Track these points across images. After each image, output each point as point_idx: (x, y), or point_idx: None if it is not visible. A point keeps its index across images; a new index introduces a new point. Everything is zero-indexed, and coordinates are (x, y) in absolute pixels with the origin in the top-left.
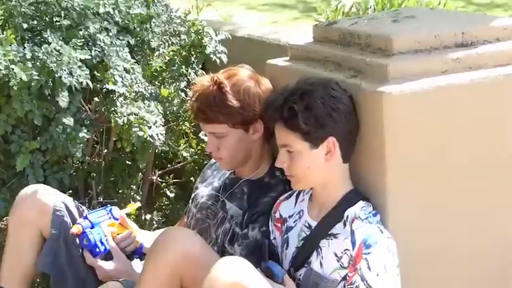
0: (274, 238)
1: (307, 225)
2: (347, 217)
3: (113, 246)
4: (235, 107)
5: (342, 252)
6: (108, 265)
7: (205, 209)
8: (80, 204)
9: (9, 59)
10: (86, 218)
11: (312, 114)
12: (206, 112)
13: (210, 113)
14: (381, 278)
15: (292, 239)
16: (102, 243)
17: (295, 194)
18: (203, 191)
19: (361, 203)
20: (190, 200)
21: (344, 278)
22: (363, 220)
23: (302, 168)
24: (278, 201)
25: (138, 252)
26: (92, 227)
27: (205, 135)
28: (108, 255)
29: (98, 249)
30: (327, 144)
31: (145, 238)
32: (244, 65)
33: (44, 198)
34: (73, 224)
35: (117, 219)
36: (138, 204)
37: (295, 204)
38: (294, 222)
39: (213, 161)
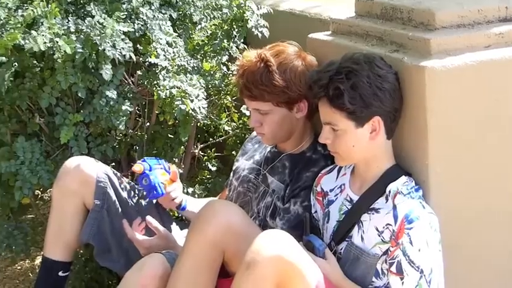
0: (316, 211)
1: (348, 199)
2: (389, 192)
3: (166, 192)
4: (281, 86)
5: (384, 227)
6: (148, 241)
7: (246, 183)
8: (122, 176)
9: (53, 32)
10: (144, 161)
11: (358, 93)
12: (251, 89)
13: (255, 90)
14: (422, 253)
15: (333, 213)
16: (159, 186)
17: (336, 168)
18: (244, 164)
19: (403, 178)
20: (232, 173)
21: (385, 253)
22: (405, 195)
23: (346, 146)
24: (320, 174)
25: (182, 208)
26: (150, 170)
27: (248, 110)
28: (150, 231)
29: (155, 192)
30: (372, 123)
31: (190, 201)
32: (292, 42)
33: (87, 169)
34: (115, 195)
35: (168, 172)
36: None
37: (337, 178)
38: (335, 196)
39: (253, 134)
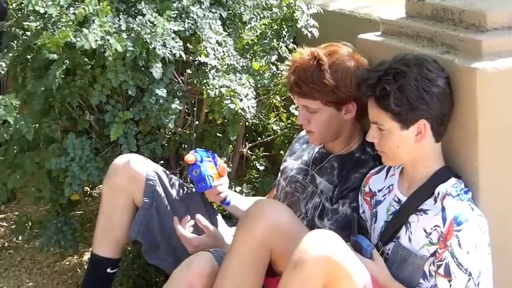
0: (363, 212)
1: (396, 199)
2: (438, 193)
3: (214, 185)
4: (331, 85)
5: (432, 228)
6: (197, 239)
7: (294, 183)
8: (171, 175)
9: (105, 30)
10: (196, 151)
11: (404, 96)
12: (302, 86)
13: (305, 88)
14: (471, 255)
15: (381, 213)
16: (208, 178)
17: (385, 168)
18: (292, 165)
19: (452, 180)
20: (279, 173)
21: (433, 254)
22: (454, 197)
23: (392, 147)
24: (368, 174)
25: (227, 203)
26: (201, 162)
27: (297, 109)
28: (199, 229)
29: (204, 183)
30: (417, 126)
31: (235, 197)
32: (347, 43)
33: (136, 167)
34: (164, 193)
35: (217, 167)
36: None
37: (386, 178)
38: (383, 196)
39: (301, 134)
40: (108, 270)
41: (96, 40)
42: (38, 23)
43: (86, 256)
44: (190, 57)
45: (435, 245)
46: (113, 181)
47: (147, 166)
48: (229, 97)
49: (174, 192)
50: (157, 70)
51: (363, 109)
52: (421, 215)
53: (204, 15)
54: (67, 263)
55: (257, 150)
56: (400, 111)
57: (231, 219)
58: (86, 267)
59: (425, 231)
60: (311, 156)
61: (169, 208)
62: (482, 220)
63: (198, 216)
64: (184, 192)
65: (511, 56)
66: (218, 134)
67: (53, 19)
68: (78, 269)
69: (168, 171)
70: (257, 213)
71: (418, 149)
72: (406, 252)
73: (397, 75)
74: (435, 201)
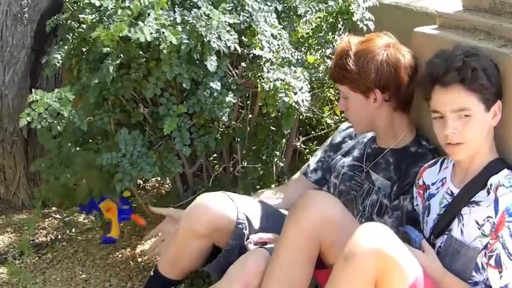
0: (417, 205)
1: (449, 192)
2: (491, 185)
3: None
4: (353, 72)
5: (484, 220)
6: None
7: (348, 180)
8: (259, 205)
9: (160, 23)
10: None
11: (489, 74)
12: (332, 70)
13: (334, 72)
14: None
15: (433, 206)
16: None
17: (439, 162)
18: (343, 161)
19: (505, 171)
20: (320, 167)
21: (485, 247)
22: (508, 187)
23: (475, 133)
24: (422, 168)
25: None
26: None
27: None
28: None
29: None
30: (494, 107)
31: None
32: (388, 32)
33: (224, 214)
34: (250, 234)
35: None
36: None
37: (439, 171)
38: (436, 189)
39: (341, 127)
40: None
41: (151, 33)
42: (93, 15)
43: (139, 249)
44: (245, 50)
45: (487, 237)
46: (195, 225)
47: (237, 209)
48: (283, 90)
49: (257, 224)
50: (212, 63)
51: (400, 99)
52: (473, 206)
53: (259, 8)
54: (120, 255)
55: (311, 144)
56: (489, 90)
57: None
58: (138, 259)
59: (477, 223)
60: (363, 152)
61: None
62: None
63: (258, 235)
64: (263, 214)
65: None
66: (272, 128)
67: (109, 12)
68: (130, 262)
69: (258, 203)
70: (305, 204)
71: (489, 135)
72: (459, 245)
73: (476, 55)
74: (488, 192)
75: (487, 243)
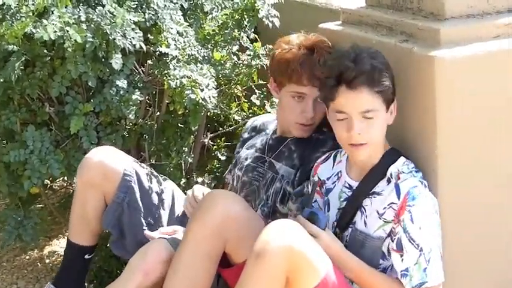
0: (315, 201)
1: (347, 185)
2: (391, 174)
3: None
4: None
5: (385, 208)
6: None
7: (251, 171)
8: (149, 170)
9: (64, 21)
10: None
11: (389, 74)
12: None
13: None
14: (423, 231)
15: (333, 201)
16: None
17: (332, 156)
18: (246, 154)
19: (402, 159)
20: (233, 165)
21: (389, 234)
22: (407, 173)
23: (377, 132)
24: (315, 164)
25: None
26: None
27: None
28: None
29: None
30: (392, 106)
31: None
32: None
33: (112, 164)
34: (139, 190)
35: None
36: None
37: (333, 165)
38: (332, 183)
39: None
40: (86, 256)
41: (55, 31)
42: None
43: (47, 250)
44: (151, 48)
45: (390, 223)
46: (86, 176)
47: (125, 161)
48: (190, 87)
49: (148, 188)
50: (117, 61)
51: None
52: (374, 197)
53: (165, 5)
54: (27, 257)
55: (218, 141)
56: (390, 90)
57: None
58: (46, 261)
59: (378, 212)
60: (265, 144)
61: (140, 205)
62: (434, 199)
63: (164, 229)
64: (159, 188)
65: (468, 44)
66: (179, 125)
67: (12, 10)
68: (38, 263)
69: (146, 166)
70: (209, 203)
71: (384, 131)
72: (364, 236)
73: (379, 57)
74: (388, 182)
75: (391, 230)
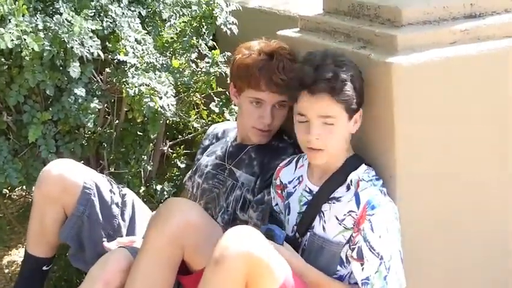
0: (276, 204)
1: (307, 190)
2: (351, 181)
3: None
4: None
5: (345, 215)
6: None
7: (211, 179)
8: (117, 187)
9: (21, 30)
10: None
11: (355, 85)
12: None
13: None
14: (383, 239)
15: (293, 205)
16: None
17: (294, 160)
18: (207, 161)
19: (363, 167)
20: (193, 172)
21: (349, 240)
22: (368, 182)
23: (337, 140)
24: (278, 167)
25: None
26: None
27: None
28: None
29: None
30: (356, 116)
31: None
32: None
33: (72, 177)
34: (99, 203)
35: None
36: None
37: (295, 170)
38: (293, 187)
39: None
40: (44, 267)
41: (12, 40)
42: None
43: (5, 260)
44: (109, 56)
45: (350, 230)
46: (45, 189)
47: (85, 174)
48: (148, 95)
49: (108, 200)
50: (75, 69)
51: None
52: (333, 203)
53: (123, 13)
54: None
55: (178, 148)
56: (354, 100)
57: None
58: (5, 271)
59: (337, 218)
60: (225, 151)
61: (100, 217)
62: (394, 206)
63: (121, 239)
64: (119, 199)
65: (425, 50)
66: (138, 133)
67: None
68: None
69: (112, 182)
70: (166, 212)
71: (347, 139)
72: (322, 241)
73: (346, 66)
74: (348, 188)
75: (350, 237)
